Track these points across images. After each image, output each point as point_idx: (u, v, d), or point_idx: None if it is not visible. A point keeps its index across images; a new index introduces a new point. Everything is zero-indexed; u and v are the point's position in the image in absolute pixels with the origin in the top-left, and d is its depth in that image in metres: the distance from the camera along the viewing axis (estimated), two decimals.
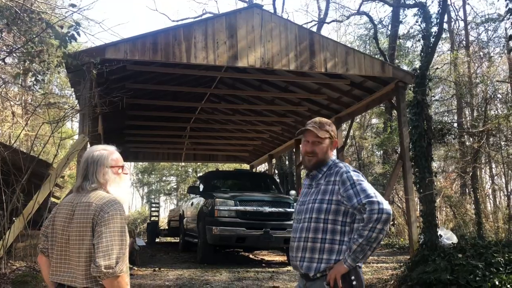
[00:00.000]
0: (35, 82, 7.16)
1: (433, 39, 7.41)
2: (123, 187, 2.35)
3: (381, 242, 2.28)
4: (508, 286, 4.71)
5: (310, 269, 2.33)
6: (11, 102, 12.64)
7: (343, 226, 2.32)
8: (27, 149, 10.50)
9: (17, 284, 5.41)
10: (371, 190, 2.27)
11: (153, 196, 35.31)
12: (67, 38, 6.10)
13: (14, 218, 6.18)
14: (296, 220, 2.50)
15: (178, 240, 13.81)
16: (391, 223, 12.99)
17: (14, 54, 7.31)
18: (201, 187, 10.89)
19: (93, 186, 2.23)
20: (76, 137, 10.64)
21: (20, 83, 13.05)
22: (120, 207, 2.16)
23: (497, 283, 4.74)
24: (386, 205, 2.21)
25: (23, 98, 15.79)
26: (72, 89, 8.27)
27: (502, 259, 5.09)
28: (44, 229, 2.30)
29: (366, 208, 2.20)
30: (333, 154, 2.53)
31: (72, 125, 23.94)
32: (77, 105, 8.41)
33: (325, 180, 2.42)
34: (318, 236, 2.33)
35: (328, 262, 2.29)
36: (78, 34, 6.19)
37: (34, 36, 6.43)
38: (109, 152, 2.34)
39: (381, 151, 18.09)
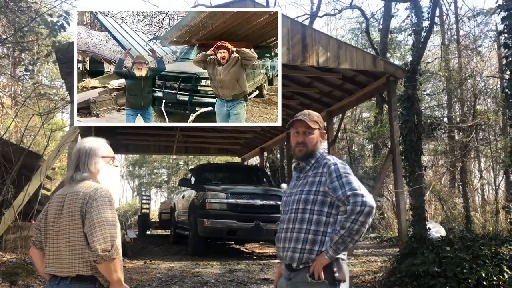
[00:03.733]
0: (25, 72, 7.10)
1: (425, 34, 7.45)
2: (112, 177, 2.41)
3: (365, 235, 2.31)
4: (495, 278, 4.78)
5: (293, 259, 2.35)
6: (0, 93, 12.49)
7: (328, 217, 2.35)
8: (17, 141, 10.39)
9: (7, 275, 5.39)
10: (356, 183, 2.31)
11: (144, 189, 35.20)
12: (56, 27, 6.05)
13: (4, 210, 6.16)
14: (283, 211, 2.54)
15: (169, 233, 13.82)
16: (381, 216, 13.11)
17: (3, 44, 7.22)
18: (193, 179, 10.88)
19: (84, 176, 2.27)
20: (66, 129, 10.56)
21: (9, 73, 12.90)
22: (108, 193, 2.21)
23: (483, 275, 4.81)
24: (369, 198, 2.25)
25: (12, 89, 15.60)
26: (63, 80, 8.19)
27: (489, 252, 5.16)
28: (37, 223, 2.34)
29: (350, 200, 2.24)
30: (322, 146, 2.57)
31: (63, 117, 23.72)
32: (68, 96, 8.35)
33: (312, 172, 2.46)
34: (303, 227, 2.36)
35: (310, 252, 2.31)
36: (68, 23, 6.14)
37: (23, 25, 6.36)
38: (100, 143, 2.40)
39: (372, 145, 18.19)
